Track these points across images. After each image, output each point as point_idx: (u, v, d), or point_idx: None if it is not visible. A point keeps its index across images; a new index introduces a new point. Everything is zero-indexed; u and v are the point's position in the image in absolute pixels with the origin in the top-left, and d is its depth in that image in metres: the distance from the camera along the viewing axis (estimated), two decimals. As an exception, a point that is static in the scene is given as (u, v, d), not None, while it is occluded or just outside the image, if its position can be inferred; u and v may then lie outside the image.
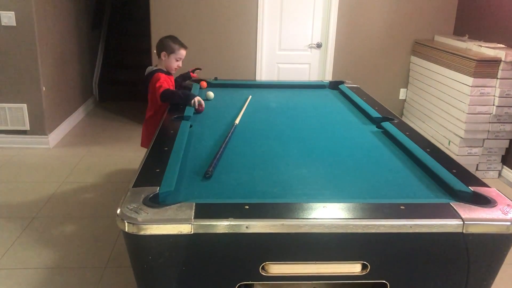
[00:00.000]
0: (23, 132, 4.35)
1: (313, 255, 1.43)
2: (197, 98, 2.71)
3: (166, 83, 2.89)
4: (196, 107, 2.69)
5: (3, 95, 4.22)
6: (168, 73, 3.01)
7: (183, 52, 2.97)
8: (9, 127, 4.31)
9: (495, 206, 1.48)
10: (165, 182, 1.60)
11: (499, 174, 4.07)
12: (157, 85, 2.82)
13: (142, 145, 3.17)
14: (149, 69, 3.03)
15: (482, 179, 1.71)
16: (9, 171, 3.84)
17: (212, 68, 4.73)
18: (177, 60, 2.97)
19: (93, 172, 3.89)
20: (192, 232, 1.34)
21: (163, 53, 2.95)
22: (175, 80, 3.15)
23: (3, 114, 4.26)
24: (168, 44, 2.94)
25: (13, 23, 4.01)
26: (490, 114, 3.84)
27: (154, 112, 2.99)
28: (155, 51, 3.06)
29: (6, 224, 3.00)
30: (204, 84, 3.36)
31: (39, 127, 4.34)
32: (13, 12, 3.99)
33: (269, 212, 1.42)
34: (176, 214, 1.37)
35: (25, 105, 4.25)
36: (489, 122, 3.86)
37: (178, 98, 2.76)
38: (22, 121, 4.29)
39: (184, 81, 3.35)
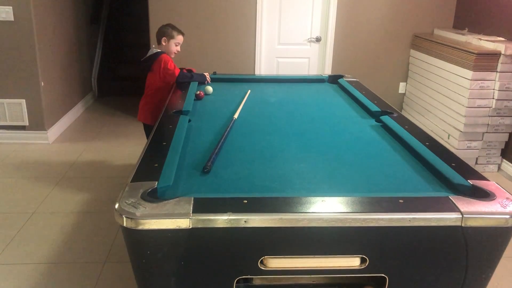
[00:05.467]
0: (22, 128, 4.34)
1: (312, 249, 1.43)
2: (207, 74, 3.27)
3: (174, 64, 3.17)
4: (209, 81, 3.24)
5: (1, 91, 4.21)
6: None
7: (181, 38, 3.26)
8: (8, 123, 4.31)
9: (494, 199, 1.48)
10: (164, 177, 1.60)
11: (499, 168, 4.07)
12: (169, 66, 3.12)
13: (139, 119, 3.36)
14: (152, 50, 3.25)
15: (481, 173, 1.71)
16: (8, 167, 3.84)
17: (211, 63, 4.72)
18: (176, 45, 3.24)
19: (92, 167, 3.89)
20: (191, 227, 1.33)
21: (163, 39, 3.20)
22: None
23: (1, 110, 4.25)
24: (167, 30, 3.21)
25: (11, 18, 4.00)
26: (489, 107, 3.83)
27: (154, 90, 3.22)
28: (157, 42, 3.26)
29: (6, 219, 3.00)
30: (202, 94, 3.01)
31: (38, 122, 4.33)
32: (10, 7, 3.97)
33: (267, 206, 1.42)
34: (175, 208, 1.37)
35: (24, 100, 4.24)
36: (489, 116, 3.86)
37: (190, 79, 3.15)
38: (21, 117, 4.29)
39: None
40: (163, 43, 3.21)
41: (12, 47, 4.09)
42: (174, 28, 3.23)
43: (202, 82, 3.24)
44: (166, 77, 3.16)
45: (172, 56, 3.26)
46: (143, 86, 3.24)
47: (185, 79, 3.16)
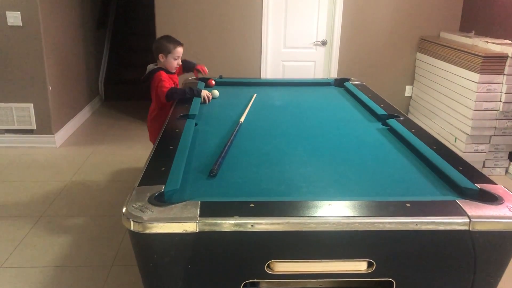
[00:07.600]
0: (30, 132, 4.38)
1: (319, 253, 1.43)
2: (204, 92, 2.86)
3: (168, 82, 2.93)
4: (207, 102, 2.85)
5: (9, 95, 4.24)
6: (169, 71, 3.03)
7: (180, 50, 2.98)
8: (16, 127, 4.34)
9: (502, 203, 1.47)
10: (171, 181, 1.61)
11: (506, 171, 4.05)
12: (160, 84, 2.88)
13: (151, 140, 3.21)
14: (150, 67, 3.04)
15: (488, 176, 1.70)
16: (16, 171, 3.86)
17: (217, 66, 4.73)
18: (176, 59, 2.99)
19: (99, 171, 3.90)
20: (198, 231, 1.34)
21: (160, 55, 2.96)
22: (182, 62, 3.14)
23: (9, 114, 4.28)
24: (162, 45, 2.95)
25: (19, 23, 4.03)
26: (497, 110, 3.81)
27: (159, 109, 3.03)
28: (155, 58, 3.03)
29: (14, 223, 3.02)
30: (212, 82, 3.34)
31: (45, 126, 4.36)
32: (19, 12, 4.01)
33: (274, 210, 1.42)
34: (182, 212, 1.37)
35: (32, 104, 4.28)
36: (496, 119, 3.84)
37: (183, 96, 2.83)
38: (29, 121, 4.32)
39: (187, 67, 3.27)
40: (161, 60, 2.96)
41: (20, 52, 4.12)
42: (170, 41, 2.94)
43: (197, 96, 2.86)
44: (160, 97, 2.90)
45: (173, 71, 3.05)
46: (147, 89, 3.11)
47: (172, 99, 2.84)
